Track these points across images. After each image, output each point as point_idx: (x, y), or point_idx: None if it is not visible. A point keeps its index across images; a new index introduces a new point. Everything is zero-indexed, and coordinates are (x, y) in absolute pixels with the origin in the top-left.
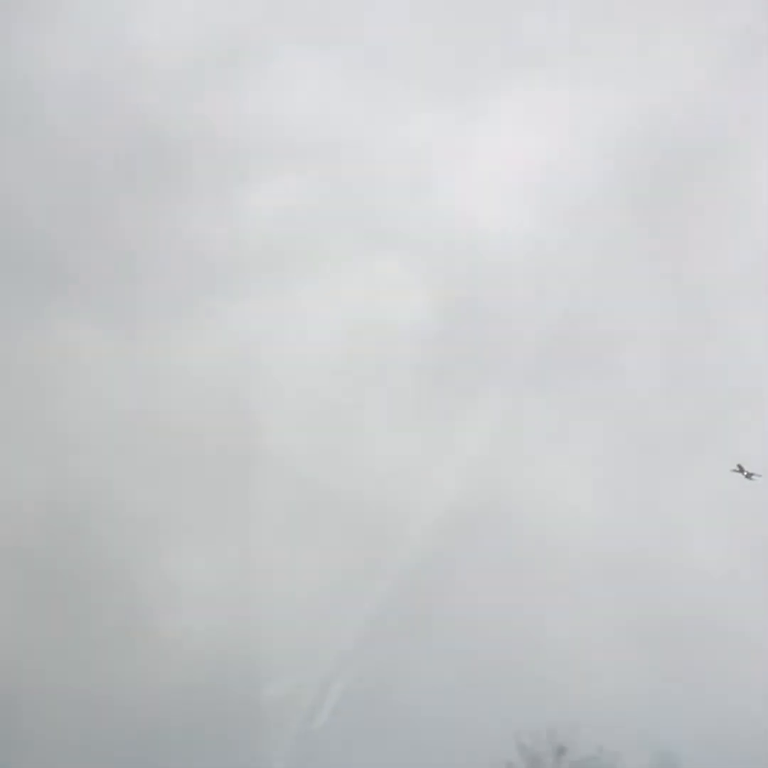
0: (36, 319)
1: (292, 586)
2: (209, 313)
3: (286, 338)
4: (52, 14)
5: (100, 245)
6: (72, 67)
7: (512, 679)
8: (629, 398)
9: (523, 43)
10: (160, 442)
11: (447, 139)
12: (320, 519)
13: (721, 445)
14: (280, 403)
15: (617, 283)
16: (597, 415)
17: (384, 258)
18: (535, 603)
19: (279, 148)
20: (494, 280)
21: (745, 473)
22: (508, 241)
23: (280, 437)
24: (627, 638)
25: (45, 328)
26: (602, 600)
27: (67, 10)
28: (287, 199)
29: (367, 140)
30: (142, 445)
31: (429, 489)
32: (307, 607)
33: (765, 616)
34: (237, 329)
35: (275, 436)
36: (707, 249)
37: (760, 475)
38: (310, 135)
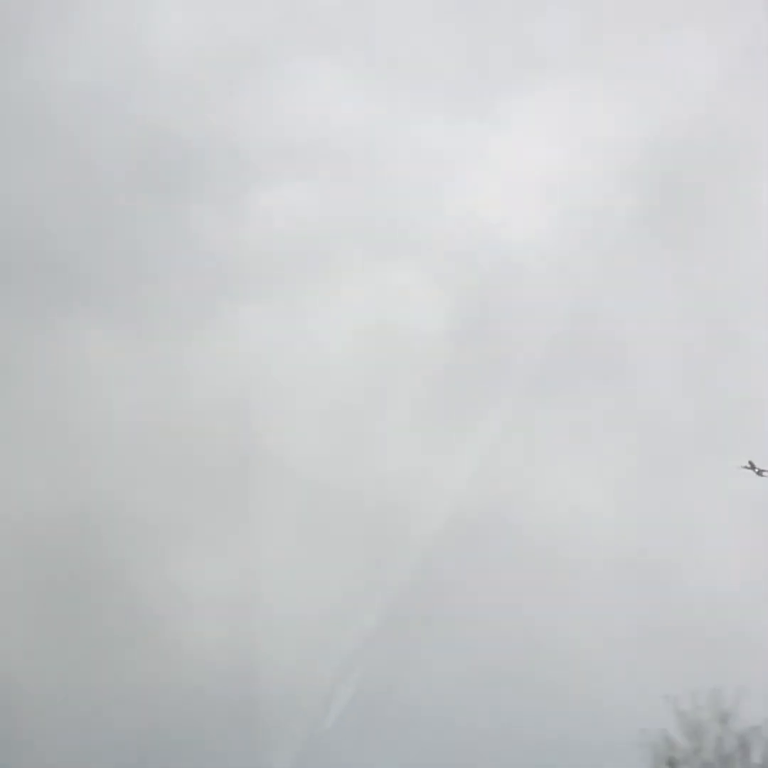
0: (45, 325)
1: (298, 590)
2: (219, 319)
3: (296, 344)
4: (61, 21)
5: (111, 252)
6: (81, 73)
7: (522, 682)
8: (641, 402)
9: (536, 48)
10: (167, 446)
11: (459, 145)
12: (327, 523)
13: (734, 449)
14: (289, 408)
15: (630, 287)
16: (609, 419)
17: (395, 264)
18: (547, 604)
19: (289, 154)
20: (506, 286)
21: (757, 470)
22: (520, 247)
23: (288, 442)
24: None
25: (54, 334)
26: (615, 603)
27: (76, 17)
28: (298, 205)
29: (378, 146)
30: (149, 448)
31: (437, 492)
32: (314, 611)
33: None
34: (247, 334)
35: (283, 440)
36: (718, 253)
37: None
38: (320, 140)
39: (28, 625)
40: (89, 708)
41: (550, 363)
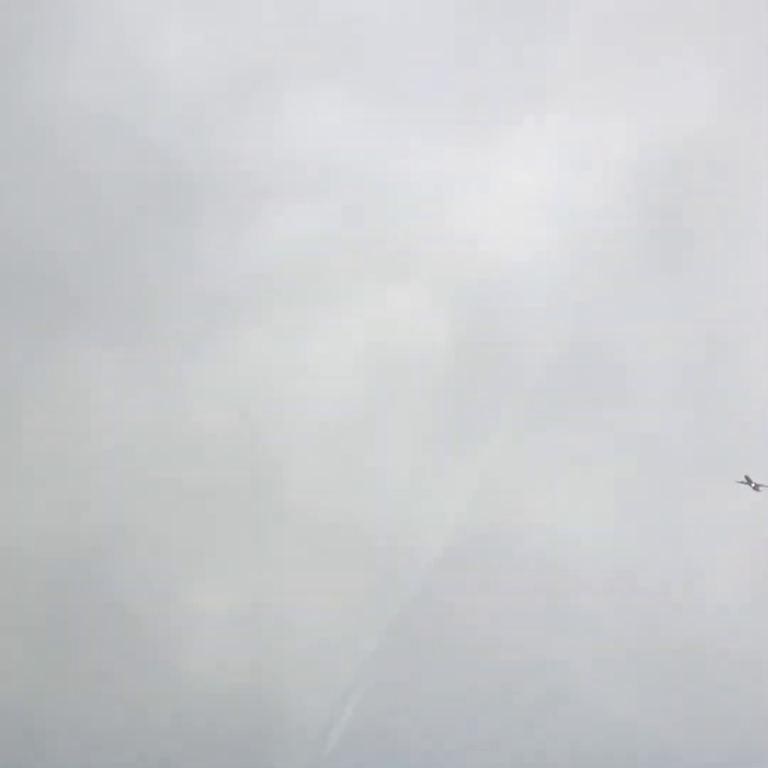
0: (46, 347)
1: (307, 615)
2: (224, 343)
3: (297, 366)
4: (66, 45)
5: (117, 277)
6: (88, 100)
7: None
8: (640, 425)
9: (536, 73)
10: (176, 474)
11: (460, 169)
12: (335, 548)
13: (732, 472)
14: (289, 430)
15: (629, 310)
16: (609, 441)
17: (398, 287)
18: (546, 627)
19: (293, 180)
20: (507, 308)
21: (753, 485)
22: (521, 269)
23: (288, 465)
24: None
25: (55, 356)
26: (613, 625)
27: (81, 41)
28: (300, 228)
29: (380, 171)
30: (158, 476)
31: (438, 515)
32: (323, 635)
33: None
34: (252, 357)
35: (284, 464)
36: (717, 276)
37: (766, 486)
38: (324, 166)
39: (45, 654)
40: (105, 735)
41: (550, 386)
